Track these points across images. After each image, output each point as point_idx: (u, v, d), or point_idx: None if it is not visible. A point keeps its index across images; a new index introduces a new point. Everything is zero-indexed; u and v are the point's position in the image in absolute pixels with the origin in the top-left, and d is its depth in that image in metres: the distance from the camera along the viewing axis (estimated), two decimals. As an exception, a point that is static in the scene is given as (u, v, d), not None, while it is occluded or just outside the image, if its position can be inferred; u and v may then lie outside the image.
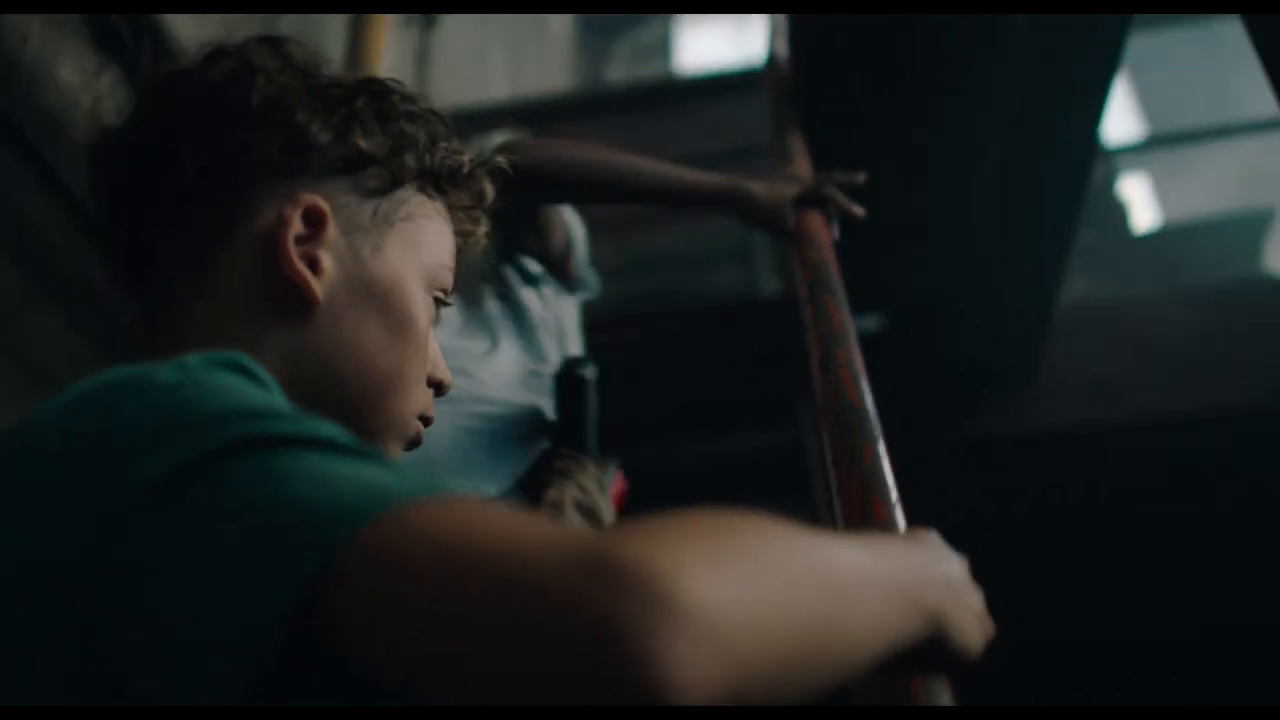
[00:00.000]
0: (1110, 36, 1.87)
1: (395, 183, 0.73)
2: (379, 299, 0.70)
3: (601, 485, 1.30)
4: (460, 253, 0.79)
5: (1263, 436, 2.51)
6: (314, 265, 0.68)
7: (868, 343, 1.06)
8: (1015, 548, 2.49)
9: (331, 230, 0.69)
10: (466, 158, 0.79)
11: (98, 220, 0.73)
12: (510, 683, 0.36)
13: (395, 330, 0.71)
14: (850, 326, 1.08)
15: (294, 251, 0.67)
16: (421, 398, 0.74)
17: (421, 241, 0.74)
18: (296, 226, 0.68)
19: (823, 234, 1.32)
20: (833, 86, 2.06)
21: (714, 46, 7.75)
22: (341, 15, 2.44)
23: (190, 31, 1.82)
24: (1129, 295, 2.72)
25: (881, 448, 0.82)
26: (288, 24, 2.25)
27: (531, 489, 1.28)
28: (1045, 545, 2.70)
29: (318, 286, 0.67)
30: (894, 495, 0.76)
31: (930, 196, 2.20)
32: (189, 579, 0.43)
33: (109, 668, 0.44)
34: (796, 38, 2.16)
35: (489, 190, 0.81)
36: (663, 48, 7.89)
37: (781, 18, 2.34)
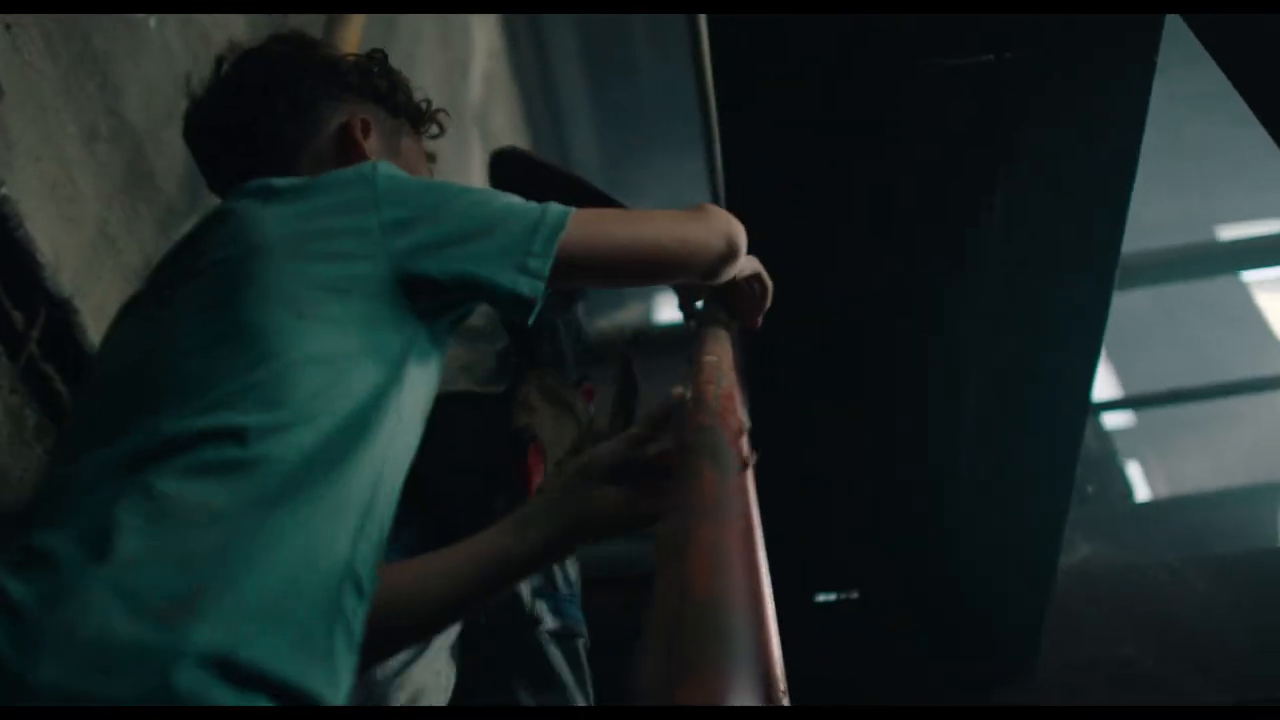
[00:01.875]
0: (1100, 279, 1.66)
1: (397, 113, 1.26)
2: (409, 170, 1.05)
3: (564, 383, 1.70)
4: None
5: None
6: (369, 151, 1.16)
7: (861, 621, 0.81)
8: None
9: (374, 133, 1.19)
10: (430, 102, 1.31)
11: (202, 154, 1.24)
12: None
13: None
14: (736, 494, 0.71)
15: (363, 143, 1.16)
16: None
17: (416, 149, 1.28)
18: (359, 129, 1.17)
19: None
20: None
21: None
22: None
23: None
24: (1140, 563, 2.39)
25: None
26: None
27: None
28: None
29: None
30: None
31: (903, 455, 1.95)
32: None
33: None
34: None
35: (439, 128, 1.34)
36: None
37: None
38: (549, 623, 1.57)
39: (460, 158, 5.09)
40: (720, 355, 0.91)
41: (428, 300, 0.92)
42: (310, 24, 2.72)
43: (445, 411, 1.37)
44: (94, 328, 1.67)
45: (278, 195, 0.95)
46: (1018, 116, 1.51)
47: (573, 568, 1.70)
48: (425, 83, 4.16)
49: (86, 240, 1.67)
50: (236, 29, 2.31)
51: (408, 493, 0.93)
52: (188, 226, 1.06)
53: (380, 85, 1.23)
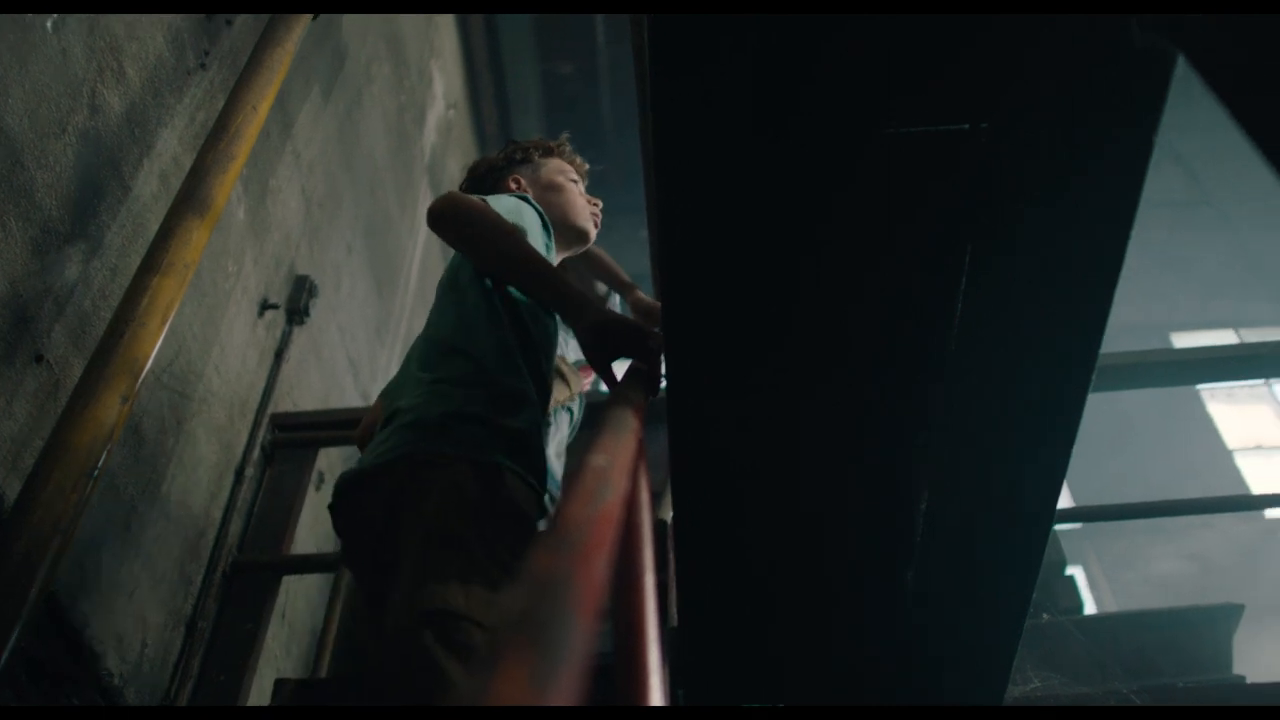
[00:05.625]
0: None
1: (531, 159, 2.45)
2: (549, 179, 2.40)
3: (568, 363, 2.79)
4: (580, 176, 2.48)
5: None
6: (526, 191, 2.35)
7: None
8: None
9: (524, 182, 2.38)
10: (543, 138, 2.54)
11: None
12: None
13: (560, 190, 2.36)
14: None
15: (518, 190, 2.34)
16: (587, 208, 2.37)
17: (554, 166, 2.44)
18: (513, 185, 2.37)
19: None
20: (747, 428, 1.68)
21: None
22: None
23: None
24: (1092, 694, 2.21)
25: None
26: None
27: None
28: None
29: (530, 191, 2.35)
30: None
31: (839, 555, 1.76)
32: None
33: None
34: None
35: (568, 153, 2.48)
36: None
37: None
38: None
39: (403, 203, 4.91)
40: (615, 455, 0.71)
41: None
42: (242, 37, 2.54)
43: None
44: (-69, 358, 1.45)
45: None
46: (995, 195, 1.36)
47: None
48: (372, 121, 3.99)
49: (-69, 257, 1.46)
50: (153, 40, 2.12)
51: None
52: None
53: (517, 155, 2.42)
